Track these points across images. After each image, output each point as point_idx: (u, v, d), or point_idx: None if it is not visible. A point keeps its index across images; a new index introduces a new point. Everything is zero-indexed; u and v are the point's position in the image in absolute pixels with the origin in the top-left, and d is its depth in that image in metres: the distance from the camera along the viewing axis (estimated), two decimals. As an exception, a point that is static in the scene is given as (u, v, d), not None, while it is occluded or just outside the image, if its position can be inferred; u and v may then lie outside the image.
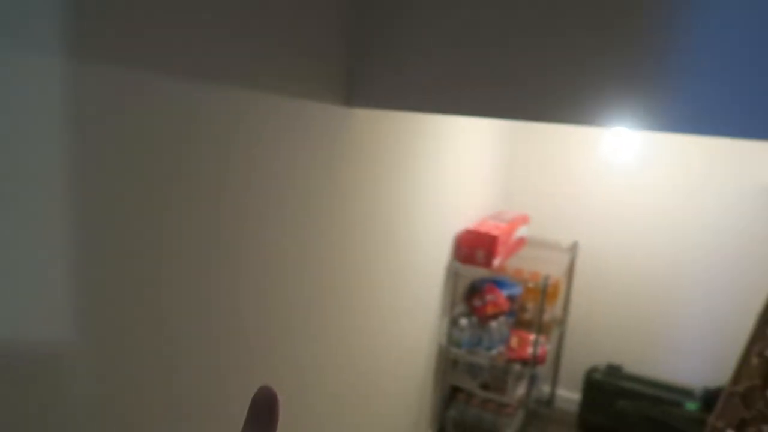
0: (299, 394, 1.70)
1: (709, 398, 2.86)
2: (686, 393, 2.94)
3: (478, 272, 2.75)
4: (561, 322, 3.24)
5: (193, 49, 1.06)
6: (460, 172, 2.64)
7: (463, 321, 2.75)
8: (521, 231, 3.03)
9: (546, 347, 2.84)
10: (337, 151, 1.64)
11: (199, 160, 1.13)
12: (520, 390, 2.84)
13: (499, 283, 2.93)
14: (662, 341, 3.07)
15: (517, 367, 2.70)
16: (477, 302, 2.85)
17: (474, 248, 2.69)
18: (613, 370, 3.11)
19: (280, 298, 1.51)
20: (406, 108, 1.56)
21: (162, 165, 1.04)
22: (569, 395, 3.28)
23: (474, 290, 2.97)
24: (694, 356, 3.00)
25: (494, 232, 2.68)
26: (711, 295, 2.92)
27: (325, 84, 1.52)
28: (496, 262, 2.68)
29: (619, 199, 3.05)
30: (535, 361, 2.64)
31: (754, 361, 1.17)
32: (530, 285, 2.82)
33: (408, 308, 2.35)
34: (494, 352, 2.74)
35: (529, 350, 2.68)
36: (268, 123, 1.34)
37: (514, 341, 2.80)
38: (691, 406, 2.87)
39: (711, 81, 1.19)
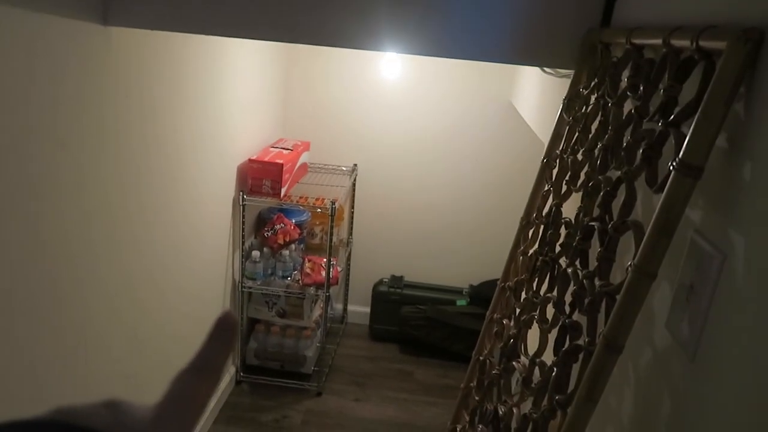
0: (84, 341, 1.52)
1: (473, 293, 3.30)
2: (457, 292, 3.34)
3: (265, 202, 2.71)
4: (347, 243, 3.39)
5: None
6: (237, 99, 2.51)
7: (256, 253, 2.70)
8: (303, 158, 3.03)
9: (338, 269, 2.95)
10: (98, 75, 1.43)
11: None
12: (316, 312, 2.93)
13: (287, 212, 2.93)
14: (435, 250, 3.41)
15: (312, 291, 2.77)
16: (267, 233, 2.82)
17: (260, 178, 2.62)
18: (396, 281, 3.38)
19: (51, 251, 1.30)
20: (163, 27, 1.42)
21: None
22: (360, 309, 3.50)
23: (263, 221, 2.93)
24: (461, 260, 3.40)
25: (279, 160, 2.63)
26: (472, 205, 3.30)
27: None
28: (283, 190, 2.66)
29: (391, 119, 3.21)
30: (329, 283, 2.73)
31: (520, 259, 1.35)
32: (318, 210, 2.87)
33: (196, 247, 2.23)
34: (289, 280, 2.76)
35: (323, 273, 2.77)
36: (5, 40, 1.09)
37: (307, 267, 2.86)
38: (461, 302, 3.27)
39: (463, 13, 1.30)
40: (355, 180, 3.29)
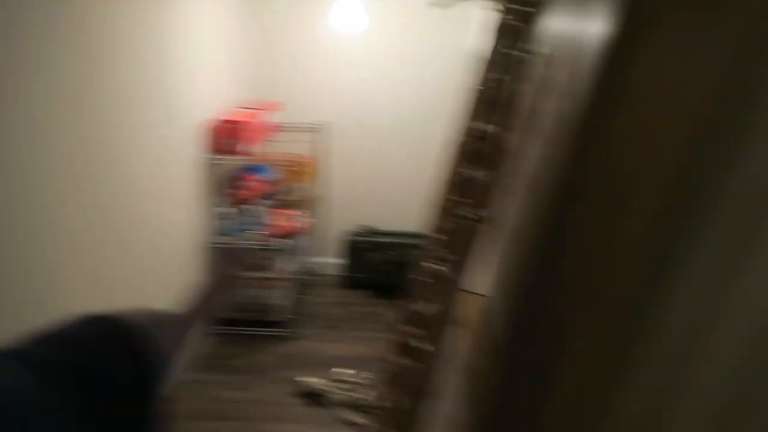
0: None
1: (443, 240, 3.41)
2: (421, 236, 3.46)
3: (233, 161, 2.81)
4: (322, 198, 3.50)
5: None
6: (197, 60, 2.55)
7: (225, 210, 2.81)
8: (274, 117, 3.11)
9: (310, 221, 3.07)
10: (49, 27, 1.48)
11: None
12: (289, 263, 3.06)
13: (254, 169, 3.03)
14: (405, 199, 3.52)
15: (279, 242, 2.88)
16: (235, 190, 2.92)
17: (227, 138, 2.70)
18: (366, 231, 3.51)
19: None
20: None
21: None
22: (334, 261, 3.64)
23: (231, 179, 3.04)
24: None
25: (244, 119, 2.72)
26: (429, 153, 3.40)
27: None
28: (250, 149, 2.75)
29: (358, 76, 3.29)
30: (297, 234, 2.85)
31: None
32: (285, 166, 2.97)
33: (163, 208, 2.29)
34: (259, 234, 2.88)
35: (292, 225, 2.88)
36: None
37: (279, 220, 2.97)
38: (428, 247, 3.39)
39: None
40: (324, 137, 3.39)
